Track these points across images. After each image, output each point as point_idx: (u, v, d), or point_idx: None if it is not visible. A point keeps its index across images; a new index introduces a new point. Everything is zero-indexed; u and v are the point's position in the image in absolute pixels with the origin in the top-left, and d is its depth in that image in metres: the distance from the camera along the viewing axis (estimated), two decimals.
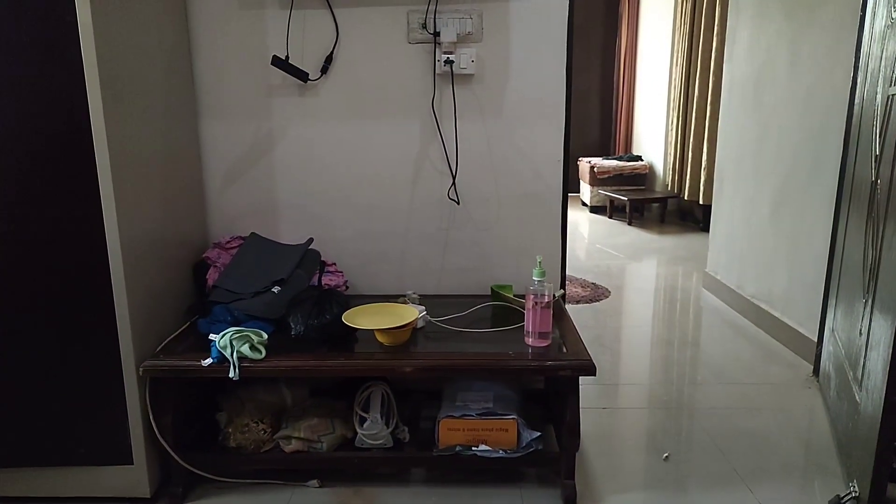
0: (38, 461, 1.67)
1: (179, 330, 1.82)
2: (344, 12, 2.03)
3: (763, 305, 3.07)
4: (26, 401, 1.63)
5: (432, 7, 2.00)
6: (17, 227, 1.54)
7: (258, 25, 2.03)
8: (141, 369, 1.61)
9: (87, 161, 1.50)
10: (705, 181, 4.97)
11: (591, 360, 1.64)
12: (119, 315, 1.58)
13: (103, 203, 1.52)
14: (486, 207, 2.16)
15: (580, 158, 6.52)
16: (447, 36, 2.00)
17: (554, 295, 1.78)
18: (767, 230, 3.06)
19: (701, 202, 5.12)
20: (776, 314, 2.95)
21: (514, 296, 2.06)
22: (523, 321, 1.78)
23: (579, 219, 6.03)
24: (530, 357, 1.68)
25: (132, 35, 1.63)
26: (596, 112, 7.17)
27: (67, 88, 1.47)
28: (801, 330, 2.74)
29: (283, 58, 2.00)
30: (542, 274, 1.73)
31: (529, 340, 1.73)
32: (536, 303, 1.70)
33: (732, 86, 3.46)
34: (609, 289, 3.73)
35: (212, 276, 1.95)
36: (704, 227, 5.19)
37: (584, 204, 6.57)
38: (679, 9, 5.43)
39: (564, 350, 1.72)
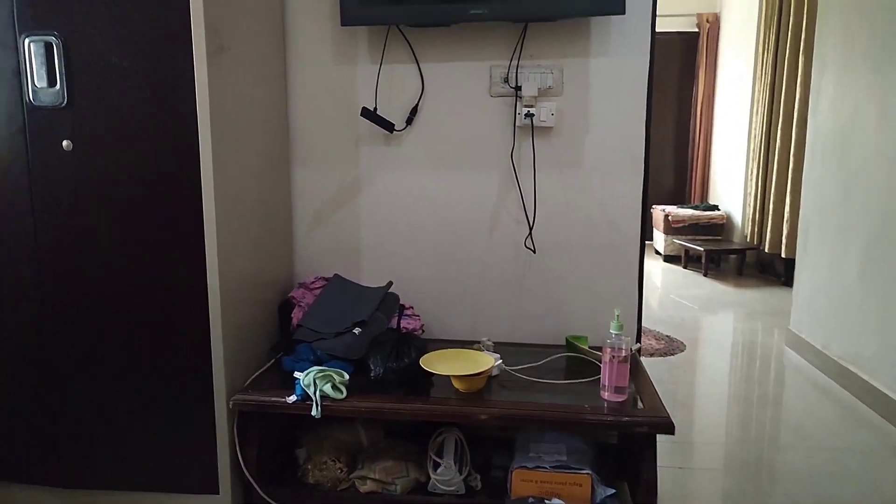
0: (132, 486, 1.78)
1: (266, 366, 1.91)
2: (430, 67, 2.13)
3: (851, 367, 2.92)
4: (125, 429, 1.75)
5: (515, 62, 2.08)
6: (128, 264, 1.67)
7: (350, 79, 2.16)
8: (231, 403, 1.70)
9: (195, 205, 1.63)
10: (788, 234, 4.80)
11: (669, 417, 1.61)
12: (214, 351, 1.69)
13: (206, 246, 1.64)
14: (563, 257, 2.18)
15: (654, 206, 6.43)
16: (528, 90, 2.07)
17: (631, 349, 1.77)
18: (856, 289, 2.93)
19: (783, 255, 4.94)
20: (865, 377, 2.80)
21: (589, 347, 2.05)
22: (598, 373, 1.77)
23: (652, 268, 5.92)
24: (606, 412, 1.67)
25: (240, 88, 1.78)
26: (671, 159, 7.09)
27: (181, 137, 1.61)
28: (891, 395, 2.59)
29: (372, 109, 2.11)
30: (620, 327, 1.72)
31: (605, 394, 1.72)
32: (613, 356, 1.70)
33: (817, 139, 3.38)
34: (684, 342, 3.64)
35: (296, 316, 2.04)
36: (786, 282, 5.00)
37: (657, 252, 6.45)
38: (760, 59, 5.36)
39: (641, 405, 1.70)
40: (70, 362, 1.73)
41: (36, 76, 1.60)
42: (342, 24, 1.99)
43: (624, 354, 1.70)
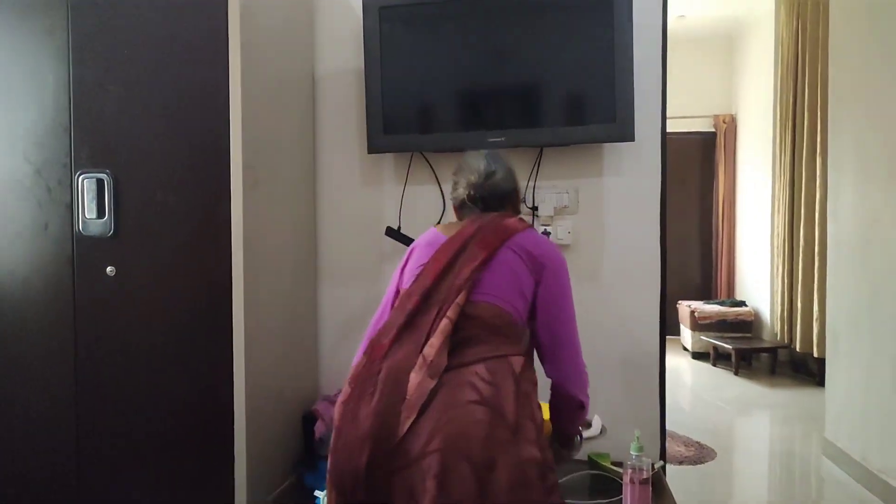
0: None
1: (287, 482, 1.93)
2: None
3: (892, 482, 2.80)
4: None
5: (532, 184, 2.19)
6: (161, 381, 1.75)
7: (376, 200, 2.29)
8: None
9: (226, 324, 1.71)
10: (818, 333, 4.73)
11: None
12: (237, 465, 1.72)
13: (235, 358, 1.71)
14: None
15: (679, 301, 6.40)
16: (545, 210, 2.16)
17: (654, 466, 1.75)
18: (891, 397, 2.85)
19: (815, 355, 4.84)
20: None
21: (612, 464, 2.03)
22: (621, 493, 1.75)
23: (681, 365, 5.82)
24: None
25: (273, 215, 1.90)
26: (695, 255, 7.11)
27: (216, 267, 1.72)
28: None
29: (396, 228, 2.22)
30: (640, 448, 1.71)
31: None
32: (634, 479, 1.68)
33: (839, 244, 3.40)
34: (715, 449, 3.53)
35: (319, 429, 2.07)
36: (821, 382, 4.86)
37: (685, 349, 6.35)
38: (778, 159, 5.47)
39: None
40: (102, 466, 1.77)
41: (87, 209, 1.74)
42: (368, 152, 2.14)
43: (645, 476, 1.68)
